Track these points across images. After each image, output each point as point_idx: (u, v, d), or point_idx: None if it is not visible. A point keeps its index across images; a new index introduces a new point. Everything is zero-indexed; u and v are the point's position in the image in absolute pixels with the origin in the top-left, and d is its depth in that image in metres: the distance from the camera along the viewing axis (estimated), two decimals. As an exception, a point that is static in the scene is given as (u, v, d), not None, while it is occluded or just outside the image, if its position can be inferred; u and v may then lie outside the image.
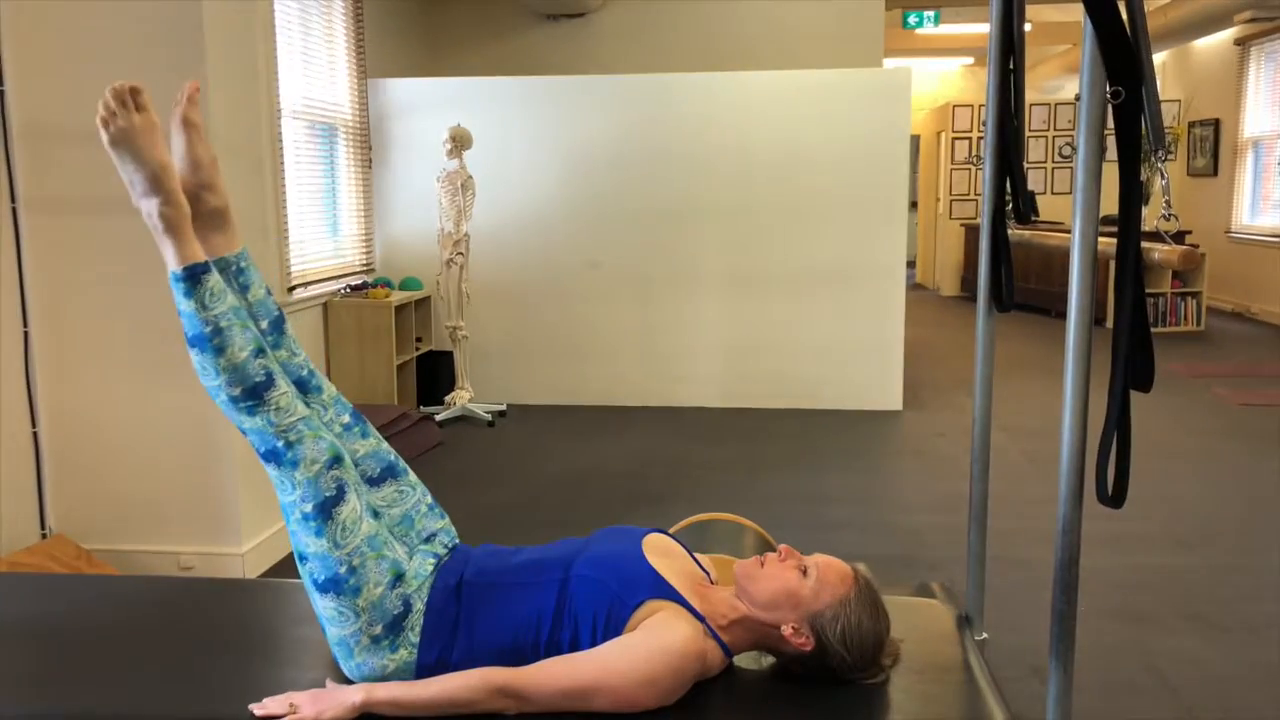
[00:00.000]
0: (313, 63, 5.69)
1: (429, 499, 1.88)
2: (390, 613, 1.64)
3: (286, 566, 3.67)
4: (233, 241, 1.85)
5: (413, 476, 1.88)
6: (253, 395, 1.65)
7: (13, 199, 3.38)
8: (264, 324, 1.84)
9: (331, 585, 1.64)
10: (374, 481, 1.82)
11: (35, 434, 3.48)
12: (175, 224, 1.69)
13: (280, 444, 1.66)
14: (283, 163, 5.17)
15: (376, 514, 1.75)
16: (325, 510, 1.65)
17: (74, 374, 3.48)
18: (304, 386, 1.84)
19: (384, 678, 1.65)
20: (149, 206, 1.69)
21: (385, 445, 1.88)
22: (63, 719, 1.63)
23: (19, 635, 1.91)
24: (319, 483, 1.65)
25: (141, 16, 3.28)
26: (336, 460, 1.69)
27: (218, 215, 1.84)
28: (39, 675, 1.77)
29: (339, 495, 1.66)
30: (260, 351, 1.68)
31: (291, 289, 5.32)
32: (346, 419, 1.85)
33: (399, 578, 1.67)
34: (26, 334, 3.44)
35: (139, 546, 3.53)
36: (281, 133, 5.16)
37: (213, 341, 1.64)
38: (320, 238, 5.79)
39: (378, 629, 1.64)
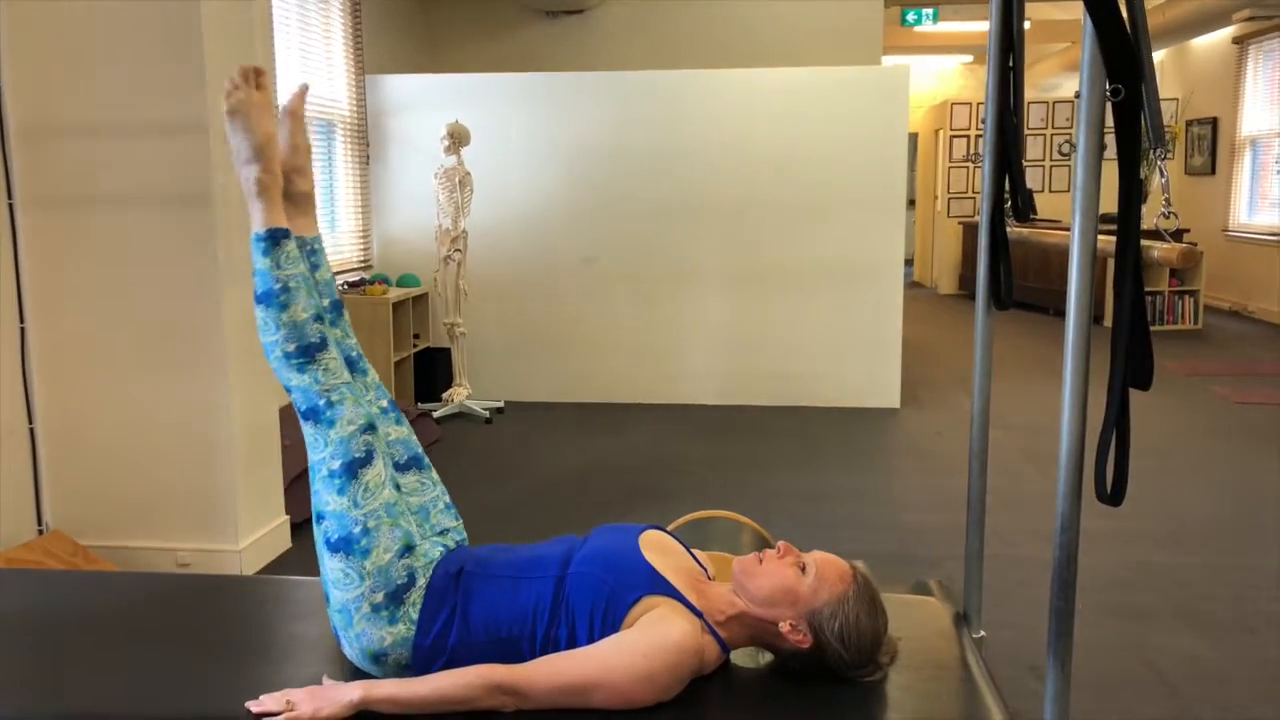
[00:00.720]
0: (310, 59, 5.68)
1: (447, 498, 1.95)
2: (394, 581, 1.68)
3: (284, 563, 3.67)
4: (311, 226, 2.04)
5: (434, 474, 1.97)
6: (305, 354, 1.76)
7: (9, 197, 3.37)
8: (325, 302, 1.97)
9: (343, 544, 1.69)
10: (400, 468, 1.91)
11: (32, 430, 3.48)
12: (268, 190, 1.84)
13: (322, 402, 1.75)
14: (280, 159, 5.16)
15: (399, 487, 1.84)
16: (352, 470, 1.73)
17: (71, 370, 3.47)
18: (352, 367, 1.97)
19: (381, 652, 1.66)
20: (249, 172, 1.85)
21: (414, 438, 1.98)
22: (59, 716, 1.63)
23: (15, 631, 1.91)
24: (351, 443, 1.74)
25: (140, 14, 3.28)
26: (370, 427, 1.78)
27: (304, 199, 2.02)
28: (35, 672, 1.76)
29: (367, 458, 1.75)
30: (319, 317, 1.80)
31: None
32: (384, 404, 1.97)
33: (408, 549, 1.72)
34: (23, 330, 3.44)
35: (136, 543, 3.53)
36: (279, 129, 5.15)
37: (279, 298, 1.76)
38: (318, 234, 5.78)
39: (379, 596, 1.67)
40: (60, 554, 3.37)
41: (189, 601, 2.07)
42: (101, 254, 3.41)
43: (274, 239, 1.80)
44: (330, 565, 1.70)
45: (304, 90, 2.06)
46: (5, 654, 1.83)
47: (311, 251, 2.01)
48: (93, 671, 1.75)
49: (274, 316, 1.75)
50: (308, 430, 1.76)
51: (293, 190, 1.98)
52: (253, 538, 3.57)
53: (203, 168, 3.33)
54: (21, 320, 3.43)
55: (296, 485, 4.05)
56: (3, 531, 3.33)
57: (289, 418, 4.59)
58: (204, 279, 3.38)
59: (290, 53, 5.38)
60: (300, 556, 3.73)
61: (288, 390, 1.78)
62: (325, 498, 1.72)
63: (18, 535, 3.40)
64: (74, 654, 1.81)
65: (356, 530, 1.69)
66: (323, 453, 1.74)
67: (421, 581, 1.70)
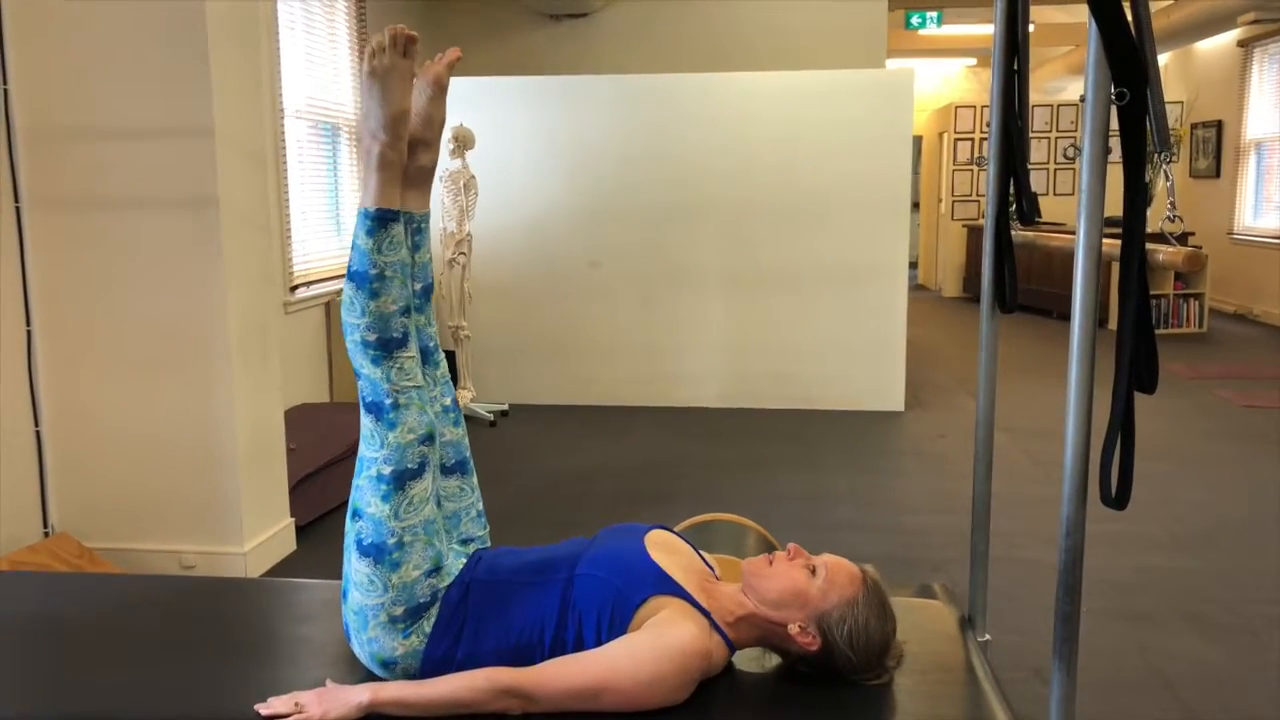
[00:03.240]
0: (316, 62, 5.69)
1: (480, 505, 1.94)
2: (417, 599, 1.67)
3: (289, 565, 3.68)
4: (424, 203, 1.94)
5: (475, 479, 1.95)
6: (384, 347, 1.70)
7: (16, 198, 3.38)
8: (418, 286, 1.90)
9: (374, 551, 1.67)
10: (446, 471, 1.88)
11: (38, 432, 3.49)
12: (390, 165, 1.74)
13: (388, 401, 1.70)
14: (286, 162, 5.18)
15: (440, 504, 1.81)
16: (401, 480, 1.69)
17: (77, 373, 3.48)
18: (426, 358, 1.90)
19: (390, 660, 1.67)
20: (374, 142, 1.74)
21: (466, 441, 1.94)
22: (65, 718, 1.63)
23: (21, 634, 1.91)
24: (407, 452, 1.69)
25: (145, 16, 3.28)
26: (429, 438, 1.73)
27: (424, 174, 1.92)
28: (41, 674, 1.77)
29: (419, 470, 1.70)
30: (407, 311, 1.73)
31: (294, 288, 5.33)
32: (448, 401, 1.92)
33: (436, 569, 1.70)
34: (29, 333, 3.44)
35: (141, 545, 3.53)
36: (284, 132, 5.17)
37: (373, 284, 1.69)
38: (323, 237, 5.80)
39: (399, 610, 1.66)
40: (66, 556, 3.38)
41: (194, 604, 2.07)
42: (108, 256, 3.42)
43: (382, 220, 1.71)
44: (357, 566, 1.68)
45: (456, 57, 1.92)
46: (11, 656, 1.84)
47: (417, 230, 1.92)
48: (98, 674, 1.76)
49: (362, 301, 1.69)
50: (367, 423, 1.71)
51: (416, 162, 1.88)
52: (258, 540, 3.58)
53: (208, 170, 3.34)
54: (28, 323, 3.44)
55: (301, 488, 4.06)
56: (8, 534, 3.34)
57: (294, 420, 4.60)
58: (210, 281, 3.39)
59: (295, 55, 5.39)
60: (305, 559, 3.74)
61: (358, 374, 1.73)
62: (368, 498, 1.69)
63: (23, 538, 3.40)
64: (79, 656, 1.81)
65: (391, 541, 1.66)
66: (377, 452, 1.69)
67: (440, 603, 1.69)
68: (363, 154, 1.76)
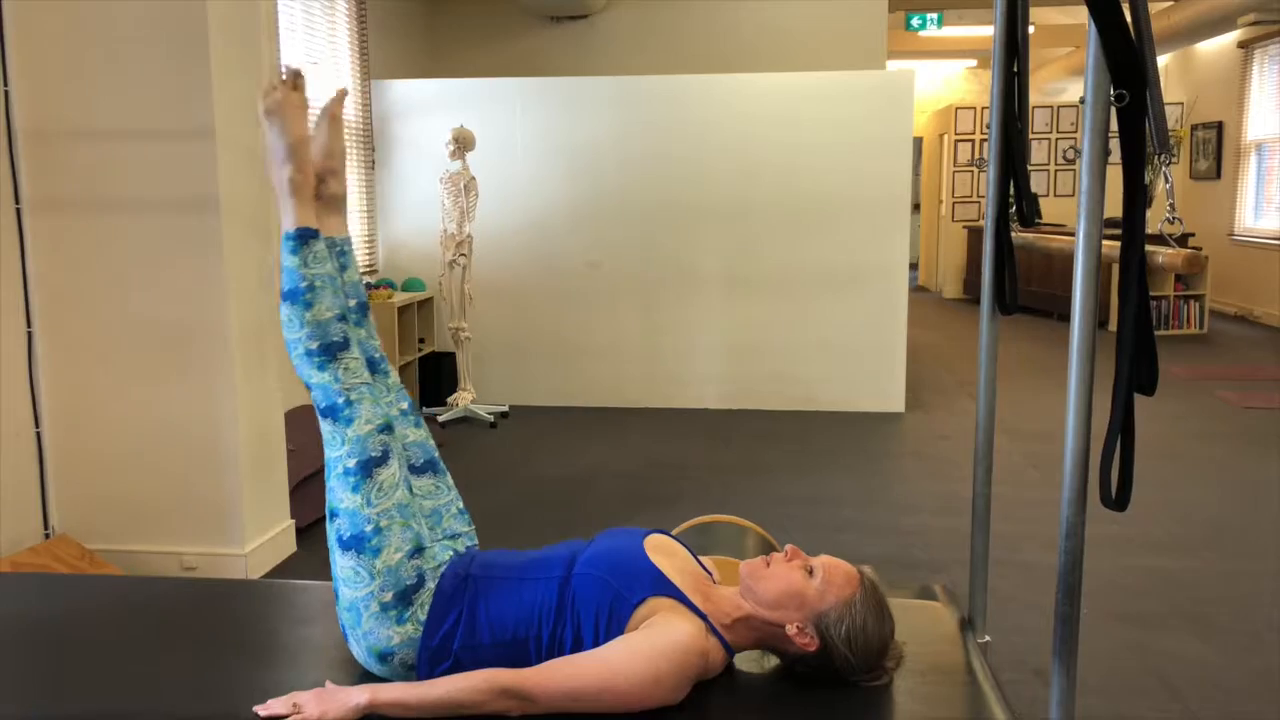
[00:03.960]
0: (317, 64, 5.69)
1: (460, 503, 1.97)
2: (404, 581, 1.70)
3: (289, 567, 3.68)
4: (342, 228, 2.07)
5: (449, 479, 1.99)
6: (327, 352, 1.78)
7: (17, 200, 3.38)
8: (351, 303, 2.01)
9: (354, 543, 1.71)
10: (415, 470, 1.93)
11: (38, 434, 3.49)
12: (299, 189, 1.88)
13: (341, 400, 1.77)
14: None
15: (412, 490, 1.86)
16: (367, 468, 1.75)
17: (77, 374, 3.48)
18: (373, 368, 1.99)
19: (387, 651, 1.68)
20: (282, 172, 1.87)
21: (432, 442, 2.00)
22: (66, 719, 1.64)
23: (22, 635, 1.92)
24: (367, 442, 1.76)
25: (146, 18, 3.29)
26: (387, 427, 1.80)
27: (335, 201, 2.05)
28: (42, 675, 1.77)
29: (383, 457, 1.77)
30: (343, 318, 1.83)
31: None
32: (404, 406, 2.00)
33: (418, 550, 1.74)
34: (30, 334, 3.45)
35: (142, 547, 3.54)
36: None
37: (305, 296, 1.79)
38: (323, 239, 5.79)
39: (389, 595, 1.68)
40: (67, 558, 3.38)
41: (195, 605, 2.07)
42: (108, 258, 3.42)
43: (303, 238, 1.82)
44: (341, 563, 1.72)
45: (343, 95, 2.08)
46: (12, 657, 1.84)
47: (341, 253, 2.03)
48: (99, 675, 1.76)
49: (299, 314, 1.78)
50: (325, 427, 1.78)
51: (325, 192, 2.02)
52: (258, 542, 3.58)
53: (209, 172, 3.34)
54: (29, 324, 3.44)
55: (302, 489, 4.06)
56: (9, 536, 3.34)
57: (294, 422, 4.60)
58: (211, 283, 3.39)
59: (296, 58, 5.40)
60: (306, 560, 3.74)
61: (308, 386, 1.80)
62: (339, 495, 1.74)
63: (25, 539, 3.41)
64: (80, 657, 1.82)
65: (368, 529, 1.71)
66: (339, 450, 1.76)
67: (430, 584, 1.72)
68: (275, 187, 1.89)
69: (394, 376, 2.02)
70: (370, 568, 1.69)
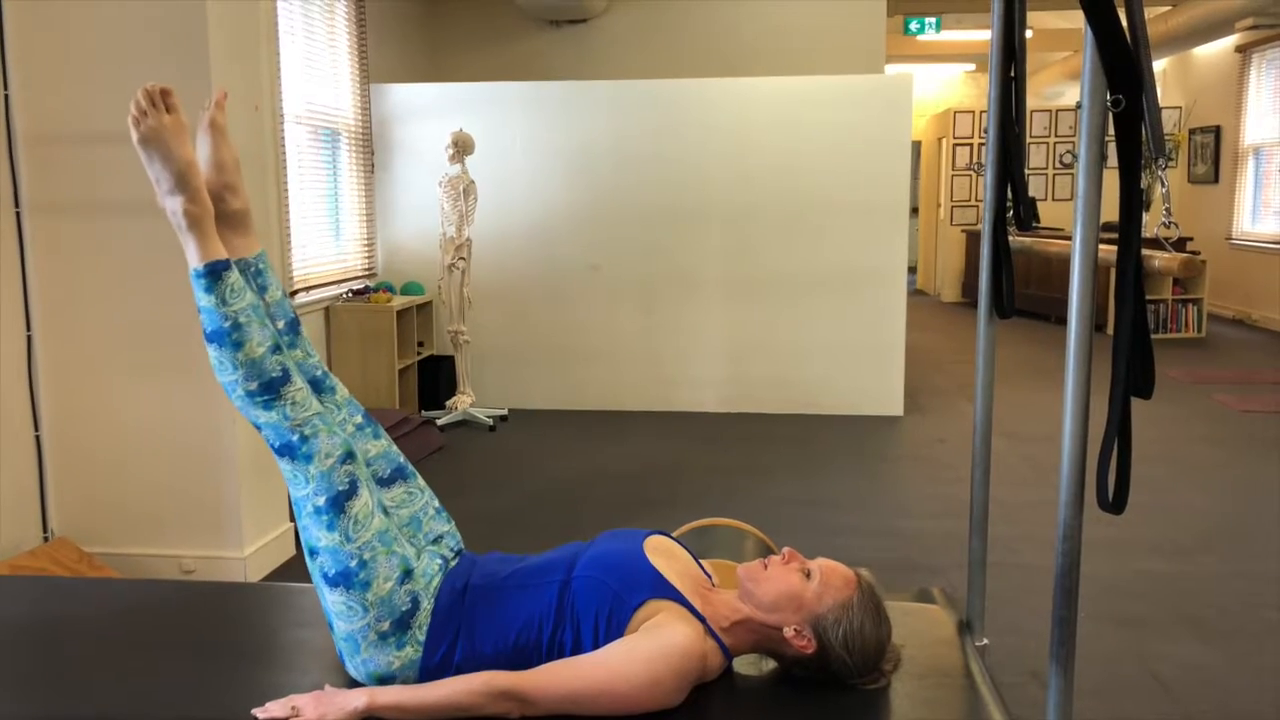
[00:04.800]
0: (315, 68, 5.70)
1: (436, 503, 1.91)
2: (399, 609, 1.66)
3: (288, 570, 3.68)
4: (252, 244, 1.91)
5: (421, 480, 1.92)
6: (269, 390, 1.68)
7: (16, 203, 3.39)
8: (280, 324, 1.89)
9: (341, 579, 1.66)
10: (384, 482, 1.86)
11: (38, 437, 3.49)
12: (199, 221, 1.72)
13: (295, 438, 1.69)
14: (285, 167, 5.19)
15: (387, 511, 1.78)
16: (338, 504, 1.68)
17: (77, 377, 3.49)
18: (318, 387, 1.89)
19: (388, 676, 1.67)
20: (174, 204, 1.73)
21: (395, 448, 1.92)
22: (66, 721, 1.64)
23: (20, 638, 1.92)
24: (332, 476, 1.68)
25: (146, 22, 3.29)
26: (349, 456, 1.72)
27: (238, 217, 1.90)
28: (40, 678, 1.77)
29: (352, 489, 1.69)
30: (277, 348, 1.71)
31: (294, 293, 5.33)
32: (359, 419, 1.90)
33: (408, 574, 1.69)
34: (30, 337, 3.45)
35: (141, 550, 3.54)
36: (284, 137, 5.17)
37: (231, 336, 1.67)
38: (323, 242, 5.80)
39: (385, 625, 1.65)
40: (65, 561, 3.38)
41: (193, 608, 2.07)
42: (108, 261, 3.43)
43: (214, 273, 1.68)
44: (332, 598, 1.68)
45: (222, 98, 1.92)
46: (10, 660, 1.84)
47: (257, 273, 1.90)
48: (97, 678, 1.76)
49: (229, 356, 1.67)
50: (284, 466, 1.70)
51: (226, 210, 1.87)
52: (257, 545, 3.58)
53: (208, 176, 3.34)
54: (28, 327, 3.44)
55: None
56: (8, 538, 3.34)
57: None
58: (209, 287, 3.39)
59: (295, 62, 5.40)
60: (304, 564, 3.73)
61: (256, 427, 1.71)
62: (315, 534, 1.68)
63: (23, 542, 3.41)
64: (78, 660, 1.82)
65: (353, 564, 1.66)
66: (305, 489, 1.68)
67: (427, 605, 1.68)
68: (170, 222, 1.74)
69: (341, 391, 1.92)
70: (363, 601, 1.65)
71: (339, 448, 1.71)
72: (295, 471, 1.69)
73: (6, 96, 3.34)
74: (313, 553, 1.69)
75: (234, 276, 1.70)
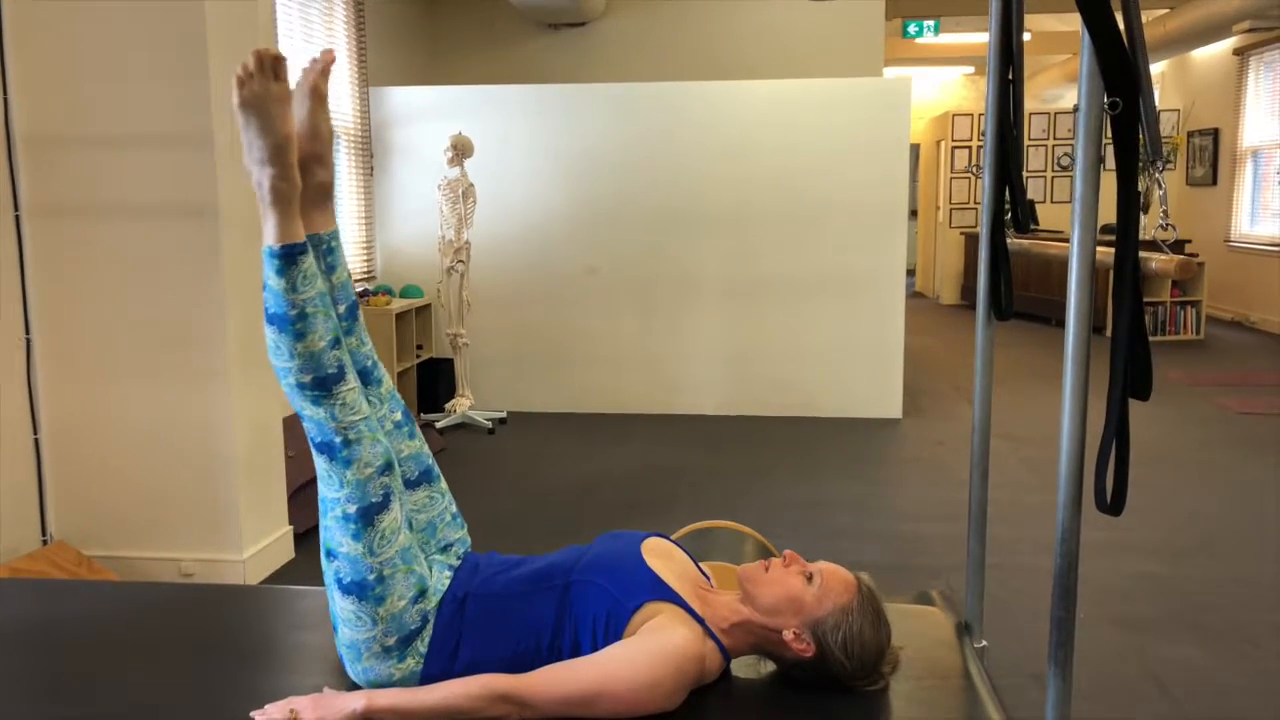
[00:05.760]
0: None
1: (454, 508, 1.90)
2: (408, 626, 1.66)
3: (287, 573, 3.68)
4: (329, 220, 1.84)
5: (444, 483, 1.90)
6: (322, 386, 1.63)
7: (15, 206, 3.39)
8: (341, 308, 1.83)
9: (356, 589, 1.64)
10: (410, 485, 1.83)
11: (36, 440, 3.49)
12: (285, 198, 1.65)
13: (338, 440, 1.64)
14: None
15: (411, 525, 1.76)
16: (368, 516, 1.65)
17: (76, 380, 3.49)
18: (366, 377, 1.85)
19: (387, 684, 1.66)
20: (263, 176, 1.65)
21: (426, 448, 1.89)
22: (64, 724, 1.64)
23: (19, 641, 1.92)
24: (368, 487, 1.65)
25: (145, 24, 3.30)
26: (388, 467, 1.68)
27: (323, 190, 1.82)
28: (39, 681, 1.77)
29: (384, 503, 1.66)
30: (337, 342, 1.65)
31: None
32: (398, 416, 1.86)
33: (422, 593, 1.68)
34: (28, 340, 3.45)
35: (140, 553, 3.54)
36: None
37: (295, 325, 1.60)
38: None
39: (392, 640, 1.65)
40: (64, 564, 3.38)
41: (192, 611, 2.07)
42: (107, 264, 3.43)
43: (290, 256, 1.60)
44: (342, 604, 1.66)
45: (330, 61, 1.78)
46: (9, 663, 1.84)
47: (329, 250, 1.83)
48: (96, 681, 1.76)
49: (287, 343, 1.60)
50: (320, 463, 1.66)
51: (311, 181, 1.78)
52: (256, 548, 3.58)
53: (208, 178, 3.35)
54: (27, 330, 3.44)
55: (300, 495, 4.06)
56: (7, 542, 3.34)
57: (293, 428, 4.60)
58: (208, 289, 3.40)
59: (294, 64, 5.40)
60: (303, 566, 3.74)
61: (300, 416, 1.67)
62: (339, 539, 1.65)
63: (22, 546, 3.41)
64: (77, 664, 1.82)
65: (371, 578, 1.64)
66: (338, 493, 1.65)
67: (432, 620, 1.68)
68: (256, 192, 1.66)
69: (387, 383, 1.88)
70: (374, 614, 1.64)
71: (380, 457, 1.67)
72: (331, 472, 1.65)
73: (5, 99, 3.35)
74: (331, 555, 1.67)
75: (308, 262, 1.63)
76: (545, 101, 6.27)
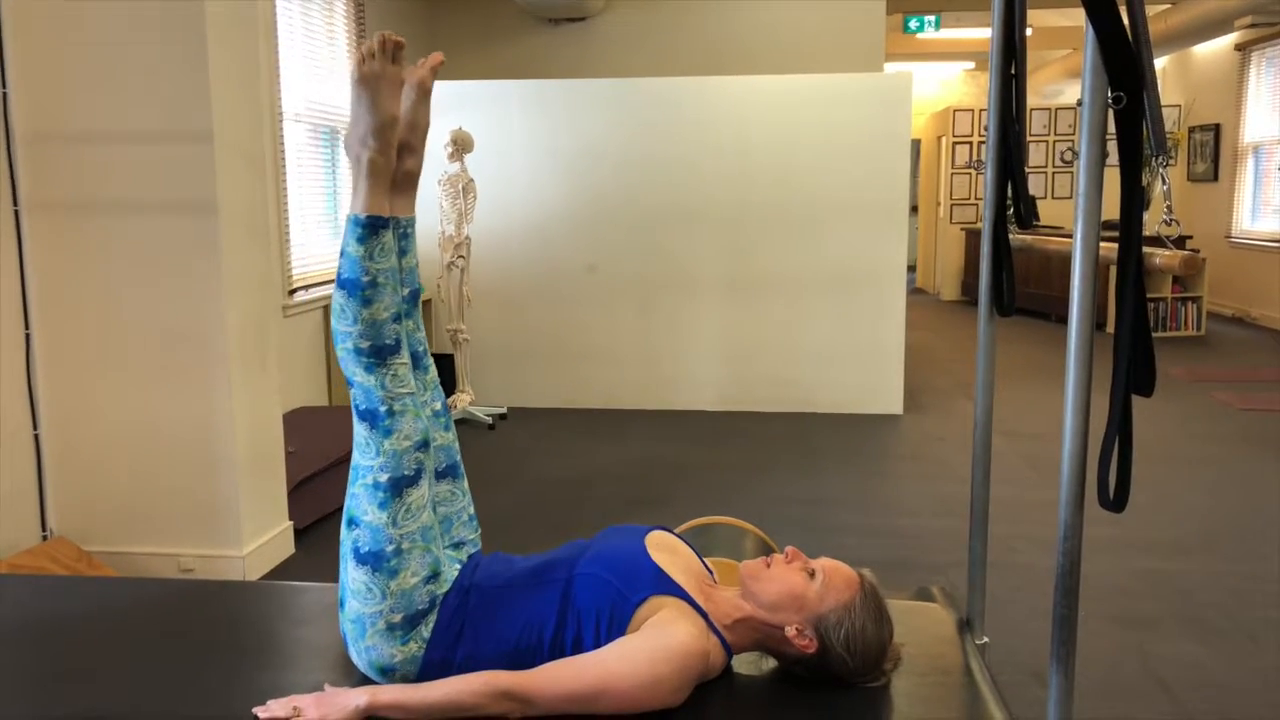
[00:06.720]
0: (314, 65, 5.70)
1: (471, 509, 1.92)
2: (415, 606, 1.67)
3: (287, 569, 3.67)
4: (410, 207, 1.94)
5: (465, 483, 1.94)
6: (377, 354, 1.70)
7: (15, 202, 3.38)
8: (405, 291, 1.90)
9: (372, 559, 1.66)
10: (437, 475, 1.87)
11: (36, 436, 3.49)
12: (379, 173, 1.74)
13: (383, 409, 1.69)
14: (284, 165, 5.18)
15: (435, 508, 1.80)
16: (398, 487, 1.69)
17: (75, 376, 3.48)
18: (415, 363, 1.90)
19: (388, 668, 1.67)
20: (363, 149, 1.74)
21: (457, 444, 1.94)
22: (64, 721, 1.63)
23: (19, 637, 1.91)
24: (403, 459, 1.69)
25: (145, 21, 3.29)
26: (424, 444, 1.73)
27: (409, 178, 1.92)
28: (39, 677, 1.77)
29: (415, 477, 1.71)
30: (398, 318, 1.73)
31: (292, 291, 5.33)
32: (438, 406, 1.92)
33: (434, 575, 1.70)
34: (28, 336, 3.44)
35: (139, 549, 3.53)
36: (283, 135, 5.17)
37: (365, 292, 1.68)
38: (322, 240, 5.80)
39: (398, 618, 1.66)
40: (64, 560, 3.37)
41: (192, 607, 2.07)
42: (107, 260, 3.42)
43: (373, 227, 1.70)
44: (354, 575, 1.68)
45: (438, 62, 1.92)
46: (8, 659, 1.83)
47: (404, 235, 1.93)
48: (96, 677, 1.76)
49: (354, 309, 1.68)
50: (360, 430, 1.71)
51: (402, 168, 1.89)
52: (256, 544, 3.58)
53: (207, 175, 3.34)
54: (26, 326, 3.44)
55: (300, 491, 4.06)
56: (7, 537, 3.33)
57: (293, 424, 4.60)
58: (208, 285, 3.39)
59: (294, 60, 5.40)
60: (303, 562, 3.74)
61: (350, 383, 1.73)
62: (365, 506, 1.68)
63: (22, 541, 3.40)
64: (77, 660, 1.81)
65: (389, 549, 1.66)
66: (372, 460, 1.69)
67: (439, 607, 1.69)
68: (352, 161, 1.77)
69: (432, 372, 1.94)
70: (384, 587, 1.66)
71: (419, 434, 1.72)
72: (369, 440, 1.70)
73: (5, 95, 3.34)
74: (352, 523, 1.70)
75: (388, 236, 1.72)
76: (545, 97, 6.26)
